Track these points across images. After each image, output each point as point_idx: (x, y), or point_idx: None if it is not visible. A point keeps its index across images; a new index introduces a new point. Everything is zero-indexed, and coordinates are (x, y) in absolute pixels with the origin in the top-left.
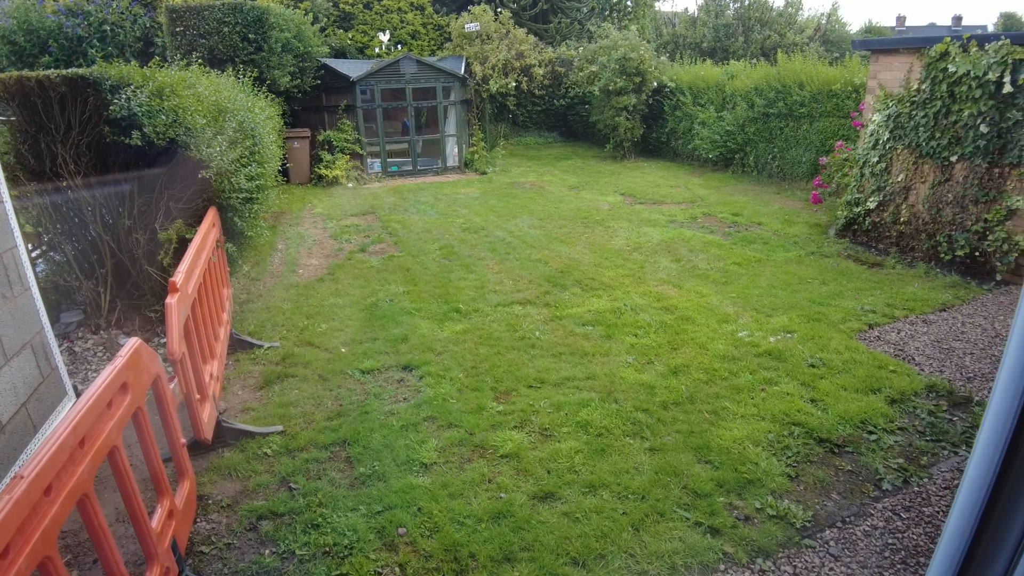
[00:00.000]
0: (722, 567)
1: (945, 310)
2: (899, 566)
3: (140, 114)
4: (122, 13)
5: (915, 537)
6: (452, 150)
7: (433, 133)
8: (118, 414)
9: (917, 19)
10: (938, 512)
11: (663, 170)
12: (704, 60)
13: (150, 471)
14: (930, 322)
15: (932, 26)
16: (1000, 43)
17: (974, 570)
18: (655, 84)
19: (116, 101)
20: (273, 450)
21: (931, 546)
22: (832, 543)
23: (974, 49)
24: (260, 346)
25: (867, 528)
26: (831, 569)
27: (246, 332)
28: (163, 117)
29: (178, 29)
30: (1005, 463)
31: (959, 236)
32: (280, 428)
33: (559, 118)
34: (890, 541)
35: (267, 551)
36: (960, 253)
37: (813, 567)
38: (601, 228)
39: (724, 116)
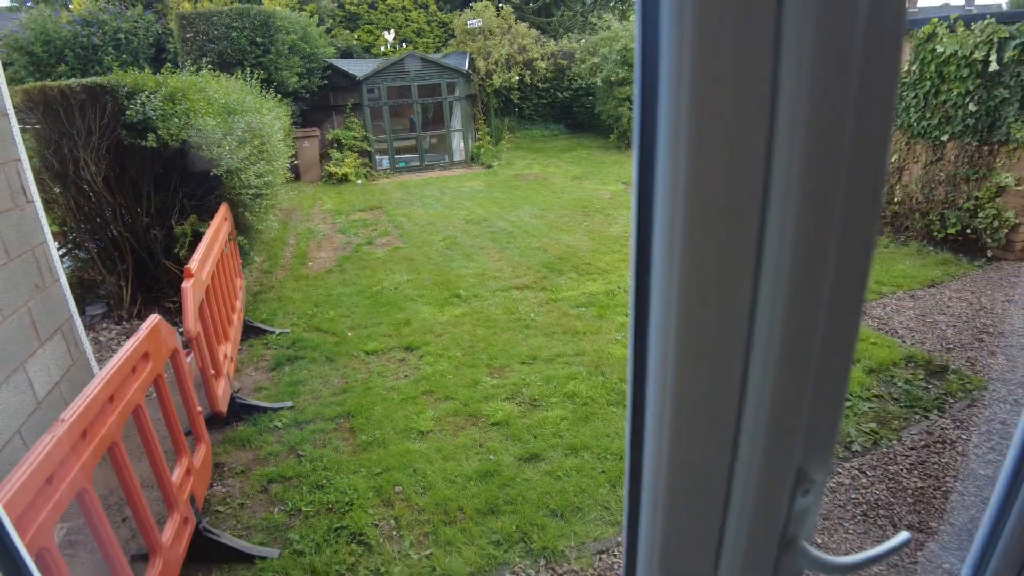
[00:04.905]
0: None
1: (933, 286)
2: (859, 518)
3: (154, 118)
4: (135, 21)
5: (877, 492)
6: (458, 145)
7: (439, 129)
8: (141, 378)
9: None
10: (902, 470)
11: None
12: None
13: (170, 432)
14: (917, 297)
15: (946, 6)
16: (986, 22)
17: None
18: None
19: (132, 106)
20: (283, 423)
21: (892, 500)
22: None
23: (961, 29)
24: (272, 332)
25: (833, 485)
26: None
27: (259, 320)
28: (176, 120)
29: (188, 35)
30: None
31: (951, 214)
32: (290, 404)
33: (564, 110)
34: (853, 496)
35: (276, 509)
36: (952, 231)
37: None
38: (601, 216)
39: None
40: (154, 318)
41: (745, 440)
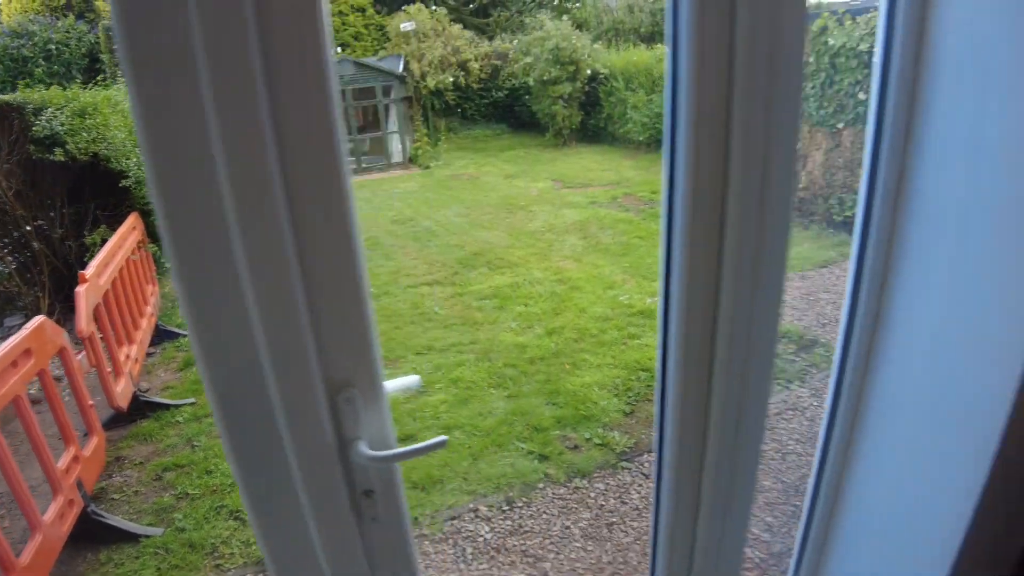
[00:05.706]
0: (541, 485)
1: (825, 267)
2: None
3: (62, 133)
4: (67, 32)
5: None
6: (396, 147)
7: (376, 132)
8: (22, 371)
9: None
10: None
11: (599, 155)
12: (640, 45)
13: (57, 424)
14: (807, 277)
15: None
16: (870, 15)
17: None
18: (589, 72)
19: (38, 122)
20: (184, 418)
21: None
22: (647, 465)
23: (848, 22)
24: (185, 335)
25: None
26: (640, 485)
27: (175, 324)
28: (85, 134)
29: (115, 46)
30: None
31: (848, 197)
32: (192, 400)
33: (506, 110)
34: None
35: (167, 494)
36: (848, 213)
37: (624, 484)
38: (523, 213)
39: (653, 99)
40: (39, 318)
41: (265, 360)
